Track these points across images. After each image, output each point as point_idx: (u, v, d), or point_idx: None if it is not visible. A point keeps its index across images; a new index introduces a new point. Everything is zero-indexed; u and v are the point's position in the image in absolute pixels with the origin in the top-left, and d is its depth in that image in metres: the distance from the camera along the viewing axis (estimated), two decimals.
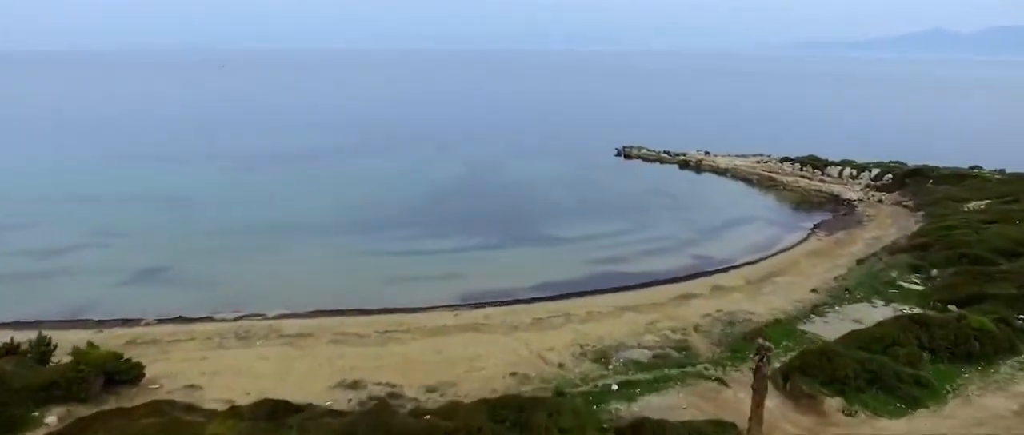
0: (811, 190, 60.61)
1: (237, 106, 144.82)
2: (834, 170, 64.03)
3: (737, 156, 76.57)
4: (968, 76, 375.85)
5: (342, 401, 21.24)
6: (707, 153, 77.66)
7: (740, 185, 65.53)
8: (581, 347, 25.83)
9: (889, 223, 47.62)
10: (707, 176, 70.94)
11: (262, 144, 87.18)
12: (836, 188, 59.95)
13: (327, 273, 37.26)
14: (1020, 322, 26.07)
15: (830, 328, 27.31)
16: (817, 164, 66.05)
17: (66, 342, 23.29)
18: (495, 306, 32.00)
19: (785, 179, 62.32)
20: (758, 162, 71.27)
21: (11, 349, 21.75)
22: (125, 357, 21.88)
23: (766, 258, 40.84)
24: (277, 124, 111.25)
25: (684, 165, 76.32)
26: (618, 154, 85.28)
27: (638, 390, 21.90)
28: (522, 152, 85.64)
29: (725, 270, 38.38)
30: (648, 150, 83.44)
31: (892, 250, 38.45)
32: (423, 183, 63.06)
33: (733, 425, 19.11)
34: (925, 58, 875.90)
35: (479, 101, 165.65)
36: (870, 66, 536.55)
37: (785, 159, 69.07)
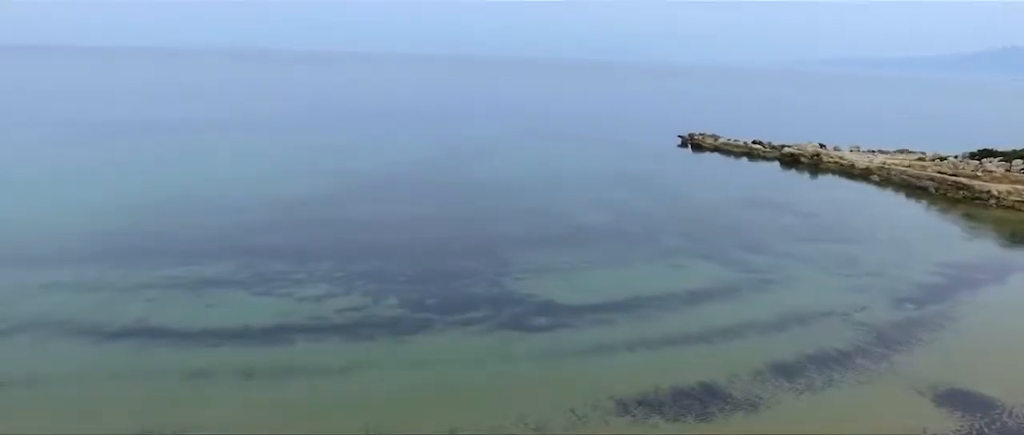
0: None
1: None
2: None
3: (875, 151, 49.89)
4: None
5: None
6: (824, 146, 51.05)
7: (903, 198, 38.84)
8: None
9: None
10: (831, 180, 44.53)
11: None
12: None
13: None
14: None
15: None
16: None
17: None
18: None
19: (997, 188, 35.27)
20: (916, 159, 44.47)
21: None
22: None
23: None
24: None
25: (790, 161, 49.93)
26: (683, 144, 59.43)
27: None
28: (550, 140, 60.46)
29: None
30: (729, 140, 57.18)
31: None
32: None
33: None
34: (998, 78, 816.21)
35: (506, 99, 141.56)
36: (945, 81, 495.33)
37: (979, 155, 41.65)
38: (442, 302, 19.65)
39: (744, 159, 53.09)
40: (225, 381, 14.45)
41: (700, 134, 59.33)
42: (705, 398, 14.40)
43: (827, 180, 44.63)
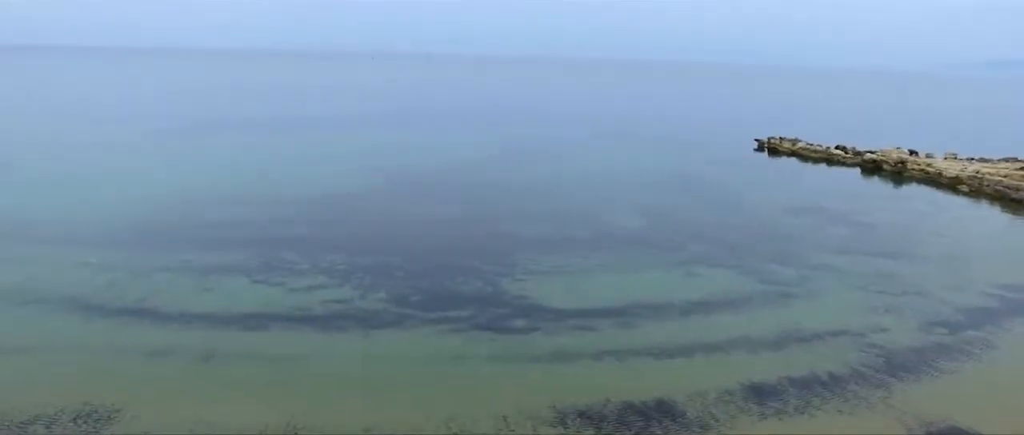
0: None
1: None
2: None
3: (974, 159, 44.92)
4: None
5: None
6: (914, 153, 46.54)
7: (990, 211, 34.64)
8: None
9: None
10: (913, 189, 40.49)
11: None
12: None
13: None
14: None
15: None
16: None
17: None
18: None
19: None
20: (1018, 169, 39.48)
21: None
22: None
23: None
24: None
25: (872, 168, 45.94)
26: (759, 148, 56.18)
27: None
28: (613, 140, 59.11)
29: None
30: (808, 145, 53.41)
31: None
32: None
33: None
34: None
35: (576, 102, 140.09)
36: None
37: None
38: (427, 299, 19.59)
39: (823, 165, 49.39)
40: (180, 360, 15.12)
41: (778, 138, 55.80)
42: (653, 415, 13.42)
43: (908, 189, 40.61)
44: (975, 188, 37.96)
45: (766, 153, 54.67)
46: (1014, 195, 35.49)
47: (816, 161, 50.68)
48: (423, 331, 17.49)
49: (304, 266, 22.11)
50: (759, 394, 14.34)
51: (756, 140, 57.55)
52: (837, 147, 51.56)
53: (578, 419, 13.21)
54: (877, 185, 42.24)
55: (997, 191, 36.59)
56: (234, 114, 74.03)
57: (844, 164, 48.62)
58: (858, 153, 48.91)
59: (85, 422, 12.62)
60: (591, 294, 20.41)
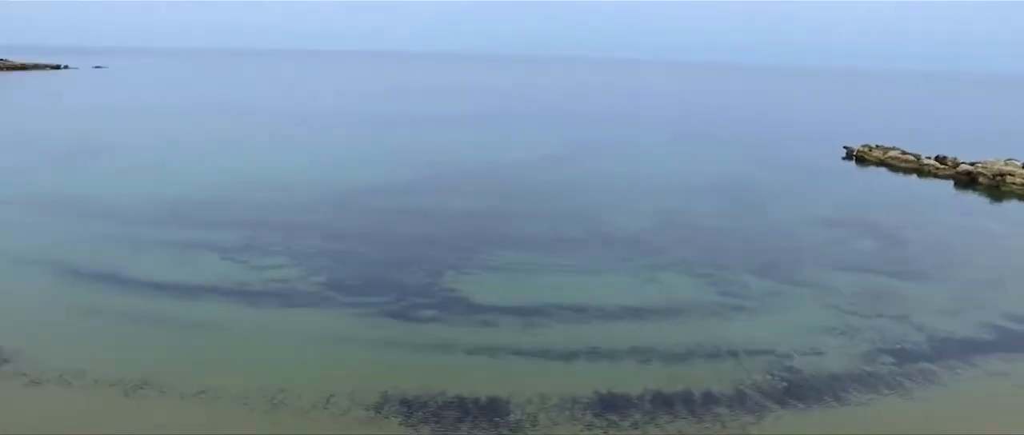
0: None
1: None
2: None
3: None
4: None
5: None
6: (1011, 160, 40.31)
7: None
8: None
9: None
10: (1010, 208, 35.19)
11: None
12: None
13: None
14: None
15: None
16: None
17: None
18: None
19: None
20: None
21: None
22: None
23: None
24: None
25: (966, 181, 40.47)
26: (847, 156, 51.32)
27: None
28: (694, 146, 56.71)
29: None
30: (901, 154, 47.97)
31: None
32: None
33: None
34: None
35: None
36: None
37: None
38: (361, 284, 20.32)
39: (913, 176, 44.24)
40: (107, 318, 17.01)
41: (866, 146, 50.62)
42: (472, 411, 13.17)
43: (998, 207, 35.42)
44: None
45: (854, 162, 49.87)
46: None
47: (906, 172, 45.46)
48: (334, 312, 18.22)
49: (277, 247, 23.69)
50: (603, 405, 13.54)
51: (845, 147, 52.57)
52: (936, 158, 45.85)
53: (394, 406, 13.28)
54: (961, 199, 37.19)
55: None
56: (347, 109, 79.59)
57: (936, 175, 43.20)
58: (956, 164, 43.22)
59: None
60: (527, 292, 20.11)
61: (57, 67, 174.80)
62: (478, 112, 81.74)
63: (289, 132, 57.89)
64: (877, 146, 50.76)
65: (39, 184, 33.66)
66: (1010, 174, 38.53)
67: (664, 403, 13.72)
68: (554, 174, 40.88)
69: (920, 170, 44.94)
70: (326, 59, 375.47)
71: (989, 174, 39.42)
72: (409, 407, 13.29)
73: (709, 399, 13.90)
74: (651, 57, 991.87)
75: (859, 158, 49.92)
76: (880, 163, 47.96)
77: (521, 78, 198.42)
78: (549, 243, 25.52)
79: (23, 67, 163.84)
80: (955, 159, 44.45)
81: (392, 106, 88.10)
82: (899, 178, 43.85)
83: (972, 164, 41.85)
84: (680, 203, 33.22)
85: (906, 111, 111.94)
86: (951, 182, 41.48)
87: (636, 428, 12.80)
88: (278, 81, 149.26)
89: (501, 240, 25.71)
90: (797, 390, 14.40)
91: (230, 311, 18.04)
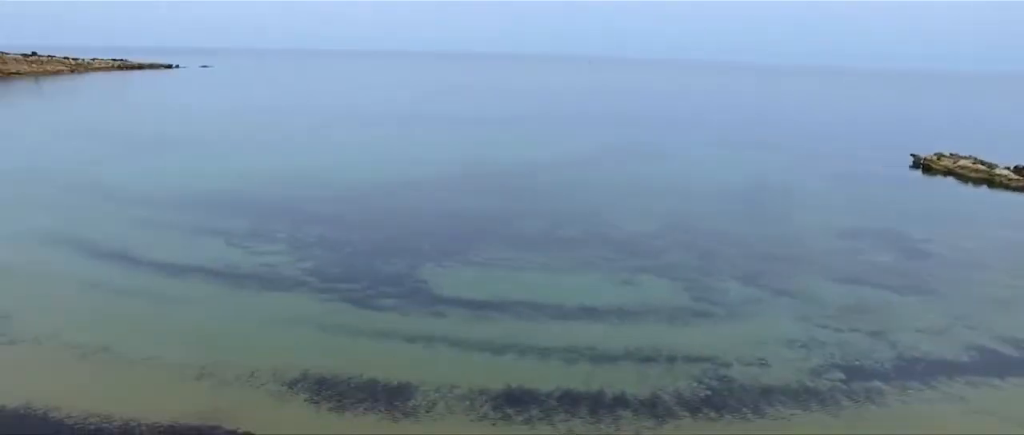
0: None
1: None
2: None
3: None
4: None
5: None
6: None
7: None
8: None
9: None
10: None
11: None
12: None
13: None
14: None
15: None
16: None
17: None
18: None
19: None
20: None
21: None
22: None
23: None
24: None
25: None
26: (914, 165, 47.80)
27: None
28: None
29: None
30: (974, 163, 44.18)
31: None
32: None
33: None
34: None
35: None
36: None
37: None
38: (344, 273, 21.23)
39: (984, 188, 40.72)
40: (103, 291, 18.79)
41: (936, 154, 46.94)
42: (381, 394, 13.63)
43: None
44: None
45: (920, 171, 46.41)
46: None
47: (976, 182, 41.87)
48: (301, 296, 19.22)
49: (280, 236, 25.10)
50: (507, 399, 13.67)
51: (912, 155, 48.98)
52: (1014, 168, 41.95)
53: (308, 384, 13.96)
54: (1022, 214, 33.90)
55: None
56: (413, 108, 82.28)
57: (1008, 187, 39.54)
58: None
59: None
60: (492, 288, 20.30)
61: (169, 66, 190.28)
62: (524, 113, 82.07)
63: (342, 130, 60.55)
64: (950, 154, 47.01)
65: (93, 172, 37.04)
66: None
67: (569, 401, 13.67)
68: (577, 175, 40.65)
69: (991, 181, 41.27)
70: (413, 60, 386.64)
71: None
72: (321, 386, 13.96)
73: (617, 401, 13.71)
74: (712, 58, 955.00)
75: (926, 167, 46.40)
76: (948, 173, 44.40)
77: (577, 79, 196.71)
78: (540, 242, 25.57)
79: (140, 67, 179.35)
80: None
81: (451, 106, 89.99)
82: (964, 189, 40.47)
83: None
84: (698, 207, 32.24)
85: (982, 116, 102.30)
86: (1021, 193, 37.90)
87: (527, 423, 12.87)
88: (356, 81, 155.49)
89: (495, 237, 26.03)
90: (716, 400, 13.93)
91: (207, 289, 19.44)
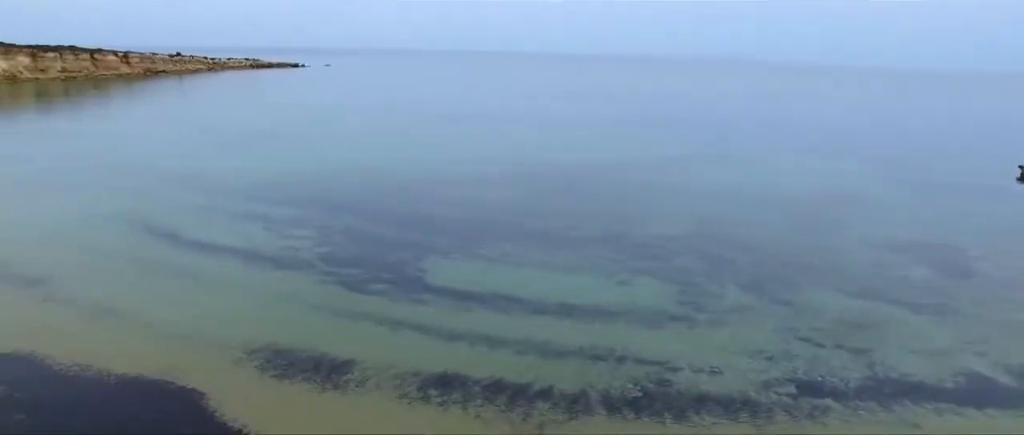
0: None
1: None
2: None
3: None
4: None
5: None
6: None
7: None
8: None
9: None
10: None
11: None
12: None
13: None
14: None
15: None
16: None
17: None
18: None
19: None
20: None
21: None
22: None
23: None
24: None
25: None
26: (1021, 178, 42.95)
27: None
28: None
29: None
30: None
31: None
32: None
33: None
34: None
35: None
36: None
37: None
38: (354, 259, 22.78)
39: None
40: (137, 265, 21.45)
41: None
42: (326, 368, 14.76)
43: None
44: None
45: None
46: None
47: None
48: (303, 277, 20.89)
49: (315, 223, 27.16)
50: (436, 381, 14.35)
51: (1020, 167, 43.91)
52: None
53: (266, 355, 15.34)
54: None
55: None
56: (511, 109, 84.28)
57: None
58: None
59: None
60: (484, 280, 20.97)
61: (295, 66, 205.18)
62: (627, 116, 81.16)
63: (432, 128, 63.15)
64: None
65: (184, 163, 41.31)
66: None
67: (493, 390, 14.14)
68: (631, 178, 40.09)
69: None
70: (542, 62, 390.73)
71: None
72: (278, 357, 15.33)
73: (539, 395, 14.01)
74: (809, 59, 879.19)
75: None
76: None
77: (710, 83, 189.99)
78: (553, 239, 25.83)
79: (269, 66, 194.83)
80: None
81: (557, 108, 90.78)
82: None
83: None
84: (739, 214, 30.94)
85: None
86: None
87: (442, 406, 13.49)
88: (464, 81, 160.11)
89: (509, 233, 26.56)
90: (641, 402, 13.84)
91: (220, 264, 21.69)
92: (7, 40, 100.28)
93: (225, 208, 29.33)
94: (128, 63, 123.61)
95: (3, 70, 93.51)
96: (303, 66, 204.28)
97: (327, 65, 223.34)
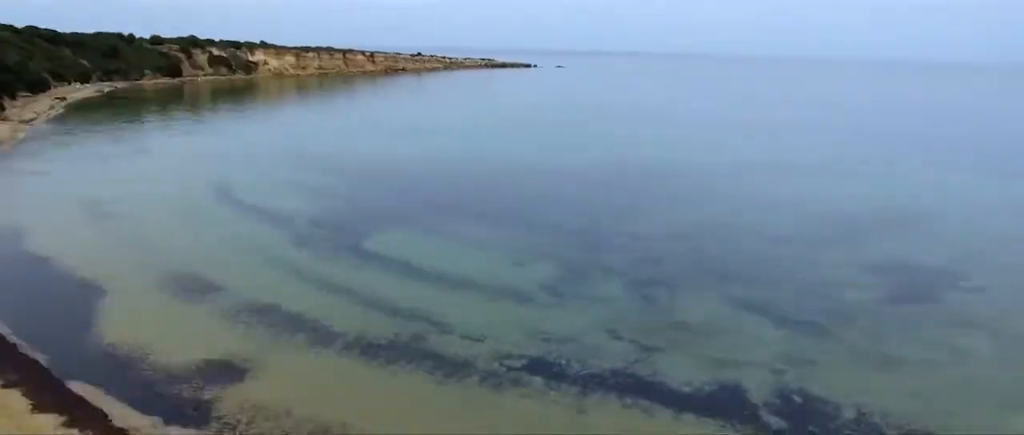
0: None
1: None
2: None
3: None
4: None
5: None
6: None
7: None
8: None
9: None
10: None
11: None
12: None
13: None
14: None
15: None
16: None
17: None
18: None
19: None
20: None
21: None
22: None
23: None
24: None
25: None
26: None
27: None
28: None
29: None
30: None
31: None
32: None
33: None
34: None
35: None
36: None
37: None
38: (364, 233, 24.92)
39: None
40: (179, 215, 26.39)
41: None
42: (280, 323, 16.97)
43: None
44: None
45: None
46: None
47: None
48: (304, 244, 23.45)
49: (353, 196, 30.24)
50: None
51: None
52: None
53: (228, 298, 18.17)
54: None
55: None
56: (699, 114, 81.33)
57: None
58: None
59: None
60: (433, 258, 21.54)
61: (527, 66, 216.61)
62: (791, 121, 72.62)
63: (605, 125, 63.61)
64: None
65: (316, 147, 46.18)
66: None
67: (369, 352, 15.08)
68: (699, 184, 36.42)
69: None
70: (803, 68, 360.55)
71: None
72: (241, 312, 17.35)
73: (406, 353, 14.70)
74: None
75: None
76: None
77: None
78: (556, 234, 25.21)
79: (503, 65, 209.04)
80: None
81: (745, 111, 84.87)
82: None
83: None
84: (774, 221, 27.09)
85: None
86: None
87: (318, 357, 14.90)
88: (679, 85, 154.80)
89: (526, 224, 26.48)
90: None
91: (248, 225, 25.39)
92: (278, 42, 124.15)
93: (304, 182, 33.75)
94: (373, 62, 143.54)
95: (274, 67, 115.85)
96: (535, 67, 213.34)
97: (559, 66, 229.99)
